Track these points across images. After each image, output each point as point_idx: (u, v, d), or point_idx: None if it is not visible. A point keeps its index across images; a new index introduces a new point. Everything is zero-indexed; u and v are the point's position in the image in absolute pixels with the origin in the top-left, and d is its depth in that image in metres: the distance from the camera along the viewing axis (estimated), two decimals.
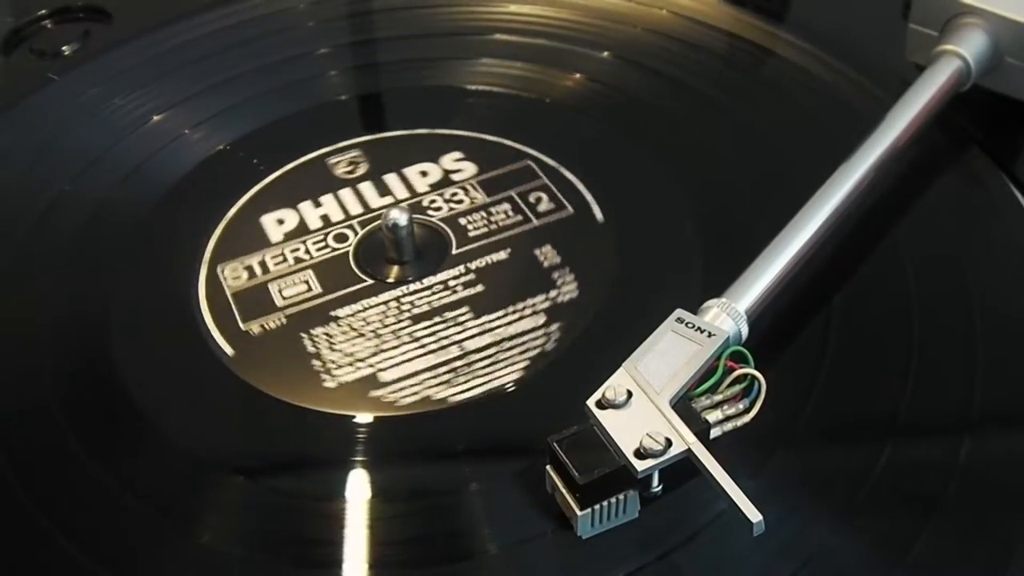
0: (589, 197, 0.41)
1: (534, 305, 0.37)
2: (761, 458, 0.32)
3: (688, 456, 0.28)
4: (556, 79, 0.48)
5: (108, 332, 0.38)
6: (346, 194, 0.43)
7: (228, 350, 0.37)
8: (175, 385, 0.36)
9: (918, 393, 0.34)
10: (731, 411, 0.30)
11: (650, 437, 0.28)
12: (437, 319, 0.37)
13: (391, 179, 0.43)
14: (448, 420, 0.34)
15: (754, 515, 0.27)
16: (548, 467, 0.30)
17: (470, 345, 0.36)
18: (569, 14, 0.52)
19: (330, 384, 0.35)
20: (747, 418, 0.30)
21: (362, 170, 0.44)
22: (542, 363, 0.35)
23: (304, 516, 0.32)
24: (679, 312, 0.32)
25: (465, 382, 0.35)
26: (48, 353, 0.37)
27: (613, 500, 0.30)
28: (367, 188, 0.43)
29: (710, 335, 0.31)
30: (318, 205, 0.42)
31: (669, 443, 0.28)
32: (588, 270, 0.38)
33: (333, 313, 0.38)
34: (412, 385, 0.35)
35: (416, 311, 0.37)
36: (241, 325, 0.37)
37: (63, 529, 0.32)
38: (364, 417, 0.34)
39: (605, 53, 0.49)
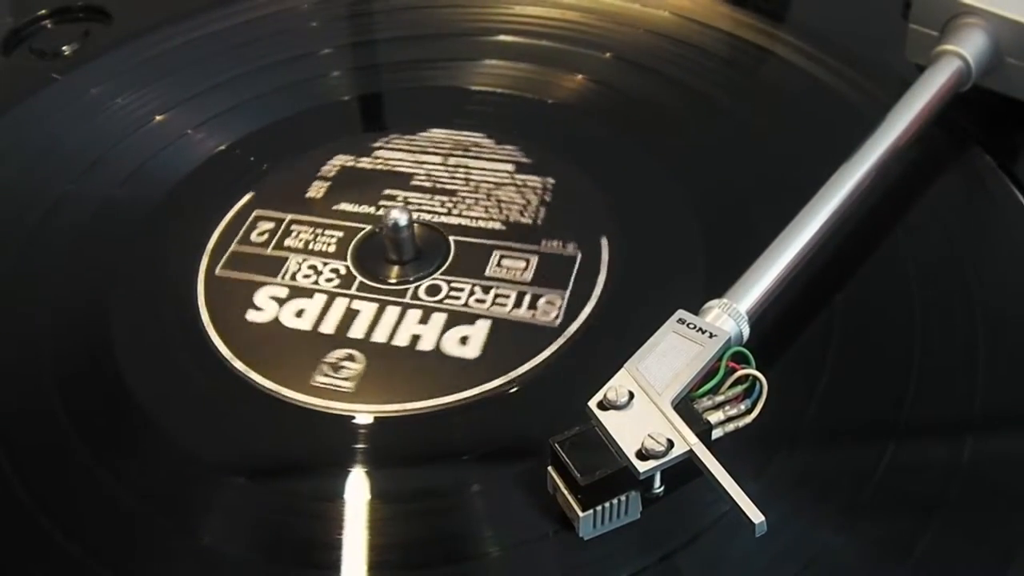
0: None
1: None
2: (763, 459, 0.32)
3: (690, 457, 0.28)
4: (558, 80, 0.48)
5: (108, 332, 0.38)
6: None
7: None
8: (175, 385, 0.36)
9: (920, 394, 0.34)
10: (733, 412, 0.30)
11: (652, 438, 0.28)
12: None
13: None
14: (449, 420, 0.34)
15: (756, 516, 0.27)
16: (549, 468, 0.30)
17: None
18: (572, 15, 0.52)
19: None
20: (749, 419, 0.30)
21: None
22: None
23: (305, 517, 0.32)
24: (680, 313, 0.32)
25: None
26: (48, 353, 0.37)
27: (615, 501, 0.30)
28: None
29: (711, 336, 0.31)
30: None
31: (671, 444, 0.28)
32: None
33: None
34: None
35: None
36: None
37: (63, 529, 0.32)
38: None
39: (607, 54, 0.49)
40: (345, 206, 0.42)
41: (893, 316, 0.36)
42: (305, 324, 0.38)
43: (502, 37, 0.51)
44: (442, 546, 0.31)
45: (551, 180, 0.42)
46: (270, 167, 0.44)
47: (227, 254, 0.40)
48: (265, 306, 0.38)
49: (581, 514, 0.29)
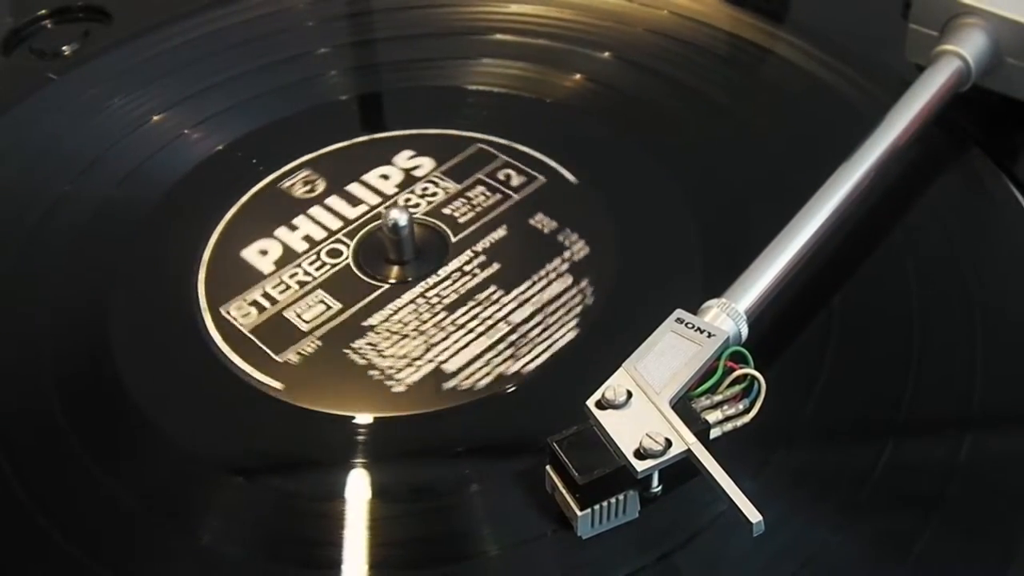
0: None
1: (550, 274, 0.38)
2: (761, 458, 0.32)
3: (688, 456, 0.28)
4: (557, 79, 0.48)
5: (108, 332, 0.38)
6: (337, 202, 0.43)
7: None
8: (175, 385, 0.36)
9: (918, 393, 0.34)
10: (731, 411, 0.30)
11: (650, 437, 0.28)
12: (472, 303, 0.38)
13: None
14: (448, 420, 0.34)
15: (754, 515, 0.27)
16: (548, 467, 0.30)
17: (516, 318, 0.37)
18: (569, 14, 0.52)
19: (399, 388, 0.35)
20: (747, 418, 0.30)
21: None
22: (589, 321, 0.36)
23: (305, 517, 0.32)
24: (679, 312, 0.32)
25: (529, 351, 0.36)
26: (48, 353, 0.37)
27: (613, 500, 0.30)
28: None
29: (710, 335, 0.31)
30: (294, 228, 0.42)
31: (669, 443, 0.28)
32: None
33: (365, 323, 0.37)
34: (480, 367, 0.35)
35: (447, 301, 0.38)
36: (278, 358, 0.36)
37: (63, 529, 0.32)
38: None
39: (606, 53, 0.49)
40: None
41: (892, 316, 0.36)
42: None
43: (500, 36, 0.51)
44: (441, 546, 0.31)
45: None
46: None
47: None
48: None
49: (579, 513, 0.29)
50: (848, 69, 0.47)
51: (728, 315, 0.32)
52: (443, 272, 0.39)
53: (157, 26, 0.52)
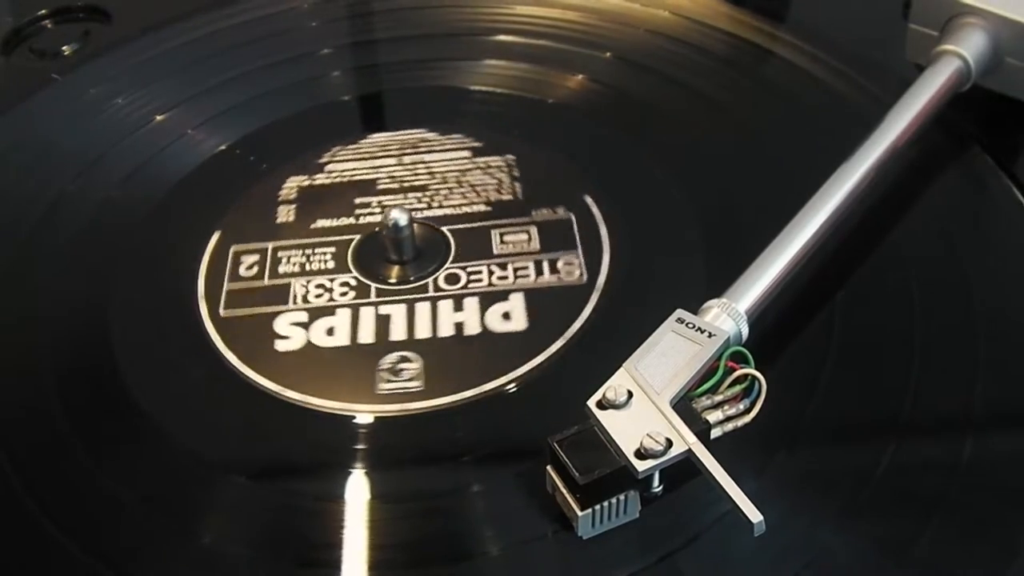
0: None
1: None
2: (762, 458, 0.32)
3: (689, 456, 0.28)
4: (558, 80, 0.48)
5: (108, 332, 0.38)
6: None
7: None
8: (175, 385, 0.36)
9: (919, 393, 0.34)
10: (732, 411, 0.30)
11: (650, 437, 0.28)
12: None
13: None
14: (448, 420, 0.34)
15: (755, 515, 0.27)
16: (549, 467, 0.30)
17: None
18: (571, 15, 0.52)
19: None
20: (748, 418, 0.30)
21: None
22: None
23: (305, 517, 0.32)
24: (679, 312, 0.32)
25: None
26: (48, 353, 0.37)
27: (614, 500, 0.30)
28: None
29: (710, 335, 0.31)
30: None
31: (670, 443, 0.28)
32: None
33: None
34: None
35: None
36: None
37: (63, 529, 0.32)
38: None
39: (607, 54, 0.49)
40: (322, 223, 0.41)
41: (892, 315, 0.36)
42: (342, 340, 0.37)
43: (502, 37, 0.51)
44: (442, 546, 0.31)
45: (511, 157, 0.43)
46: (232, 201, 0.43)
47: (224, 294, 0.39)
48: (291, 333, 0.37)
49: (580, 513, 0.29)
50: (848, 69, 0.47)
51: (729, 315, 0.32)
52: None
53: (157, 26, 0.53)
